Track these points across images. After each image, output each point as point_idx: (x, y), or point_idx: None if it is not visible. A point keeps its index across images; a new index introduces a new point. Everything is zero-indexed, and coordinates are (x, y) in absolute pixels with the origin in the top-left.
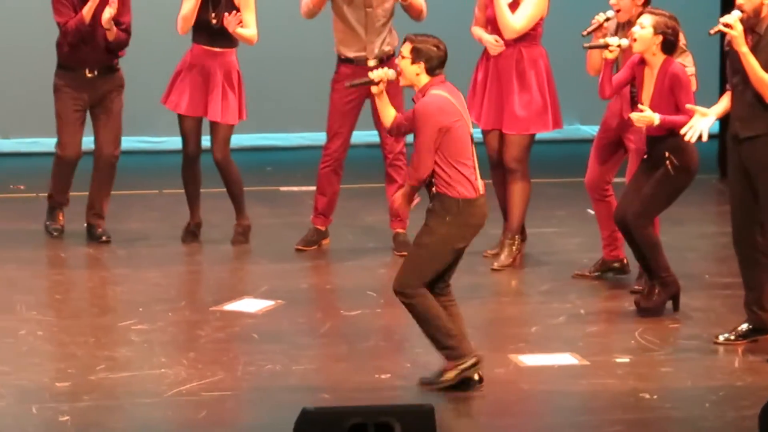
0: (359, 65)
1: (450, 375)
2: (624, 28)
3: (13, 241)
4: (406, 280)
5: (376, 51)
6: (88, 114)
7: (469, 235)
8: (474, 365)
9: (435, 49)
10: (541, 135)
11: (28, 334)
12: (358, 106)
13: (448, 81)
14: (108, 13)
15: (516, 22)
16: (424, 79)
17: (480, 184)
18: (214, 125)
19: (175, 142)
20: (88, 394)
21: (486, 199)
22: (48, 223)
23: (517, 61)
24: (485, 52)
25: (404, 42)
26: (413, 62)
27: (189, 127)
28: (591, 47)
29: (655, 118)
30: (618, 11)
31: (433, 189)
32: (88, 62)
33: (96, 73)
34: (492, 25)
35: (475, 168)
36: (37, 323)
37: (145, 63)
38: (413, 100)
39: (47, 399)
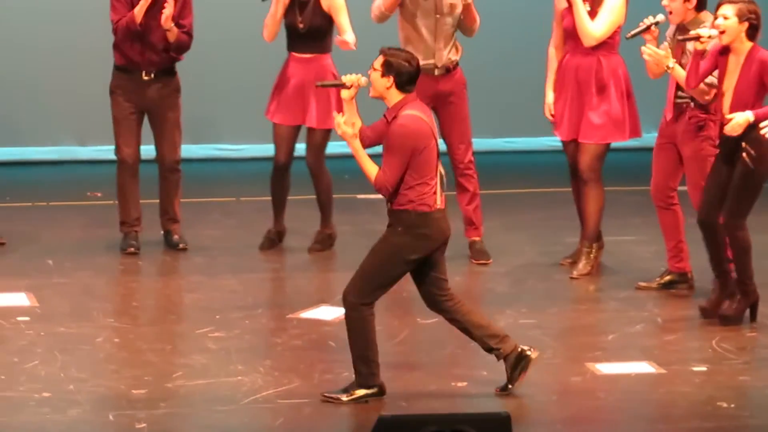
0: (426, 73)
1: (354, 395)
2: (682, 30)
3: (90, 249)
4: (354, 287)
5: (444, 59)
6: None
7: (422, 247)
8: (377, 394)
9: (406, 64)
10: (617, 143)
11: (105, 341)
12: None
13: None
14: (167, 11)
15: (596, 29)
16: (395, 95)
17: (440, 199)
18: (310, 131)
19: (252, 150)
20: (164, 401)
21: (445, 213)
22: (123, 249)
23: (596, 70)
24: (561, 63)
25: (378, 54)
26: (383, 75)
27: (282, 136)
28: (633, 35)
29: (749, 116)
30: (670, 13)
31: (389, 205)
32: (144, 64)
33: (152, 76)
34: (570, 35)
35: (436, 184)
36: (113, 330)
37: (224, 69)
38: (384, 115)
39: (124, 406)
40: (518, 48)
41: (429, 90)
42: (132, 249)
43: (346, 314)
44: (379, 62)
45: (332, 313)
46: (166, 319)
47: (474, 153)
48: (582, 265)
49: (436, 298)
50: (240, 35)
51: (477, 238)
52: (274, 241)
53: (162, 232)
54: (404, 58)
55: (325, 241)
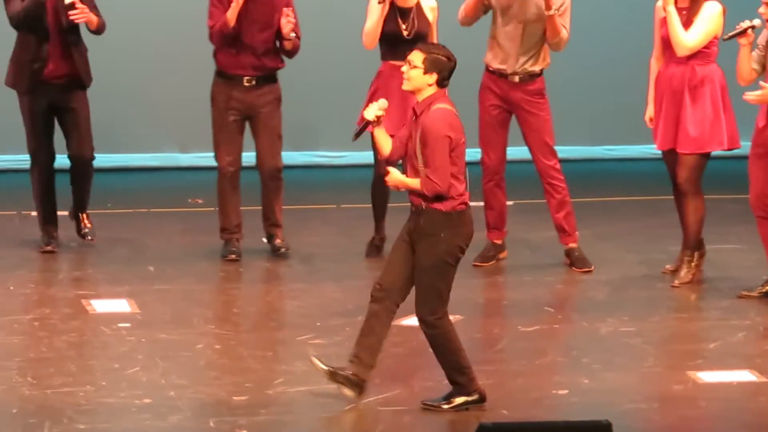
0: (500, 76)
1: (454, 403)
2: None
3: (191, 255)
4: (425, 306)
5: (518, 67)
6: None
7: (465, 244)
8: (478, 401)
9: (447, 60)
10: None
11: (206, 347)
12: (505, 116)
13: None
14: (286, 21)
15: (688, 39)
16: (432, 90)
17: (468, 196)
18: None
19: (353, 157)
20: (265, 408)
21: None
22: (224, 256)
23: (689, 79)
24: (658, 73)
25: (414, 51)
26: (426, 72)
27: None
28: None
29: None
30: (767, 21)
31: (423, 205)
32: (246, 70)
33: (254, 82)
34: (667, 44)
35: (466, 182)
36: (214, 337)
37: (325, 77)
38: (414, 109)
39: (225, 413)
40: (618, 54)
41: (501, 92)
42: (233, 256)
43: (428, 334)
44: (419, 59)
45: None
46: (266, 326)
47: (572, 161)
48: (683, 274)
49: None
50: (340, 42)
51: (573, 245)
52: (379, 248)
53: (264, 238)
54: (445, 54)
55: None
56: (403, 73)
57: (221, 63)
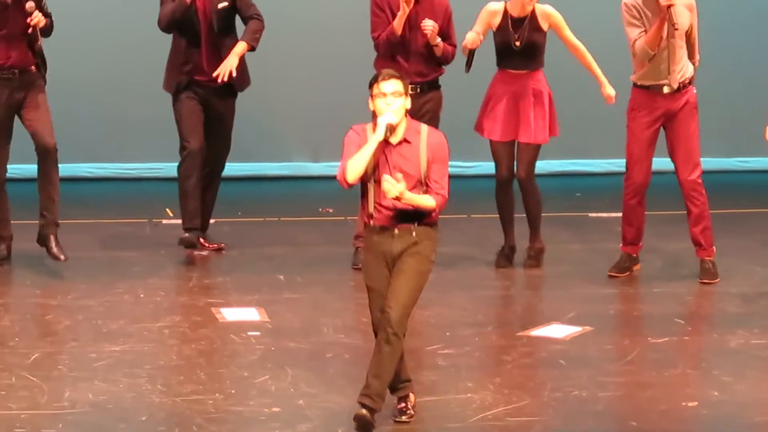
0: (656, 91)
1: (413, 401)
2: None
3: (322, 264)
4: (405, 314)
5: (672, 80)
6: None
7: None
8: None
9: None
10: None
11: (335, 357)
12: (656, 133)
13: None
14: (428, 28)
15: None
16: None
17: None
18: (522, 145)
19: (485, 167)
20: (394, 417)
21: None
22: (354, 264)
23: None
24: None
25: (393, 79)
26: (407, 96)
27: (502, 152)
28: None
29: None
30: None
31: (412, 226)
32: (410, 77)
33: (418, 90)
34: None
35: None
36: (343, 346)
37: (457, 86)
38: (406, 139)
39: (353, 422)
40: (751, 66)
41: (658, 108)
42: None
43: (395, 346)
44: (401, 86)
45: (563, 331)
46: None
47: (707, 173)
48: None
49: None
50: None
51: (708, 258)
52: (509, 257)
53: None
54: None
55: (539, 256)
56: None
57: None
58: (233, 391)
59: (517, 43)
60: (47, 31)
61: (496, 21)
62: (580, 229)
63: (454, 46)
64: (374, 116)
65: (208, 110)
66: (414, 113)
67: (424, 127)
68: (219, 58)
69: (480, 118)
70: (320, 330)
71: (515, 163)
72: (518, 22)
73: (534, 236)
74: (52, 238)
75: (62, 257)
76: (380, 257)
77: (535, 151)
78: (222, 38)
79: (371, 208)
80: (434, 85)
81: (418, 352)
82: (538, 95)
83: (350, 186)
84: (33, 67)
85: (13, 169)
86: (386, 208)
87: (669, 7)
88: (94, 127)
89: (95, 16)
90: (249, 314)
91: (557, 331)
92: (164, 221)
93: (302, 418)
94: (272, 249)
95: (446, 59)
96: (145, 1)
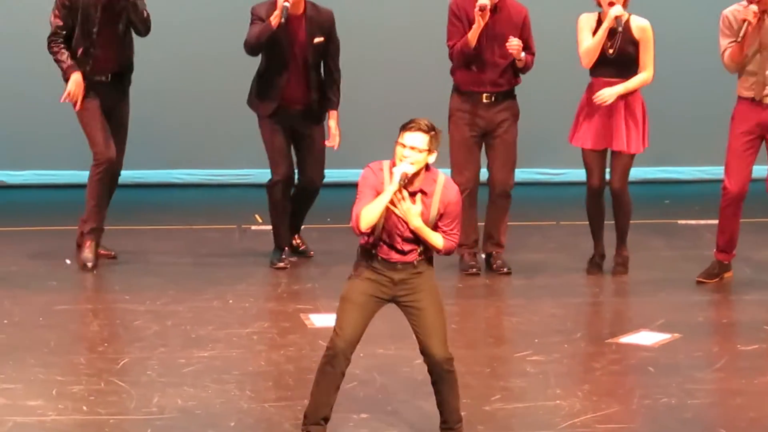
0: (755, 104)
1: None
2: None
3: None
4: (447, 347)
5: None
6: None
7: None
8: None
9: (438, 133)
10: None
11: (424, 364)
12: (753, 144)
13: None
14: (515, 47)
15: None
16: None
17: None
18: (615, 154)
19: (573, 175)
20: (482, 424)
21: None
22: (464, 270)
23: None
24: None
25: (419, 133)
26: (432, 152)
27: (594, 161)
28: None
29: None
30: None
31: (415, 260)
32: (485, 87)
33: (493, 99)
34: None
35: None
36: None
37: (543, 95)
38: (423, 191)
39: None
40: None
41: (755, 120)
42: (474, 270)
43: (451, 373)
44: (426, 142)
45: (652, 338)
46: (484, 341)
47: None
48: None
49: None
50: (560, 58)
51: None
52: (600, 265)
53: (483, 254)
54: (437, 129)
55: (627, 264)
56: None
57: (460, 80)
58: None
59: (611, 51)
60: (143, 30)
61: (593, 29)
62: (670, 236)
63: (534, 54)
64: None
65: (296, 134)
66: (489, 123)
67: (441, 178)
68: (308, 89)
69: (573, 127)
70: (409, 336)
71: (607, 171)
72: (612, 32)
73: (622, 245)
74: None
75: (90, 264)
76: (377, 278)
77: (628, 161)
78: (312, 70)
79: (376, 241)
80: (510, 95)
81: (506, 358)
82: (632, 105)
83: (362, 234)
84: (124, 73)
85: (135, 175)
86: (391, 246)
87: (744, 21)
88: (183, 134)
89: (186, 23)
90: None
91: (646, 338)
92: (253, 227)
93: (391, 425)
94: None
95: (526, 69)
96: (232, 12)
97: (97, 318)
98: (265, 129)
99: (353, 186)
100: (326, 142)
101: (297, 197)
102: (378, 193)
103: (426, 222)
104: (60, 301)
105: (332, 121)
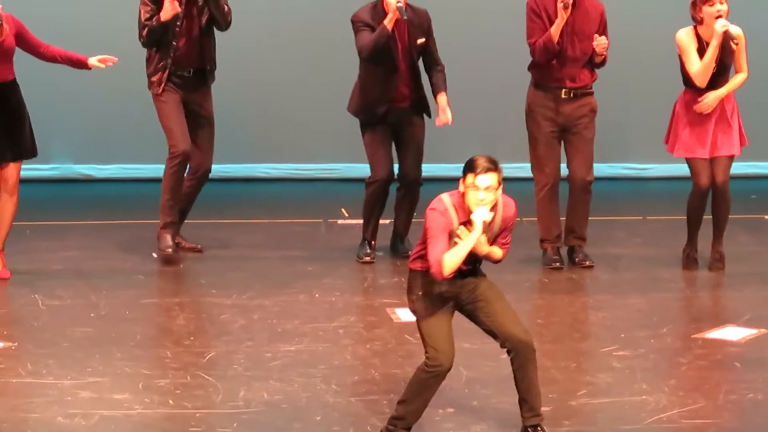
0: None
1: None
2: None
3: (504, 265)
4: (528, 332)
5: None
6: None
7: None
8: None
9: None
10: None
11: (508, 359)
12: None
13: None
14: (601, 42)
15: None
16: None
17: None
18: (719, 157)
19: (659, 170)
20: (568, 419)
21: None
22: (547, 264)
23: None
24: None
25: (489, 173)
26: (500, 185)
27: (701, 164)
28: None
29: None
30: None
31: (477, 266)
32: (563, 82)
33: (571, 95)
34: None
35: None
36: None
37: (630, 90)
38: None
39: None
40: None
41: None
42: (557, 264)
43: (532, 360)
44: (497, 180)
45: (738, 333)
46: (570, 336)
47: None
48: None
49: None
50: (653, 62)
51: None
52: (696, 260)
53: (566, 248)
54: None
55: (723, 259)
56: None
57: (538, 75)
58: None
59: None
60: (224, 24)
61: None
62: (757, 231)
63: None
64: (459, 195)
65: (397, 131)
66: (568, 119)
67: (500, 198)
68: (411, 89)
69: (671, 137)
70: None
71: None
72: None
73: (718, 240)
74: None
75: (169, 249)
76: (441, 296)
77: (731, 161)
78: (415, 70)
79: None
80: (588, 91)
81: (592, 353)
82: (730, 106)
83: (444, 279)
84: (207, 69)
85: (221, 169)
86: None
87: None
88: (269, 129)
89: (274, 15)
90: None
91: (733, 333)
92: (339, 221)
93: (477, 419)
94: None
95: (603, 64)
96: (321, 4)
97: (184, 311)
98: (367, 132)
99: (448, 180)
100: (438, 121)
101: (401, 199)
102: (449, 233)
103: (489, 242)
104: (146, 294)
105: (442, 100)
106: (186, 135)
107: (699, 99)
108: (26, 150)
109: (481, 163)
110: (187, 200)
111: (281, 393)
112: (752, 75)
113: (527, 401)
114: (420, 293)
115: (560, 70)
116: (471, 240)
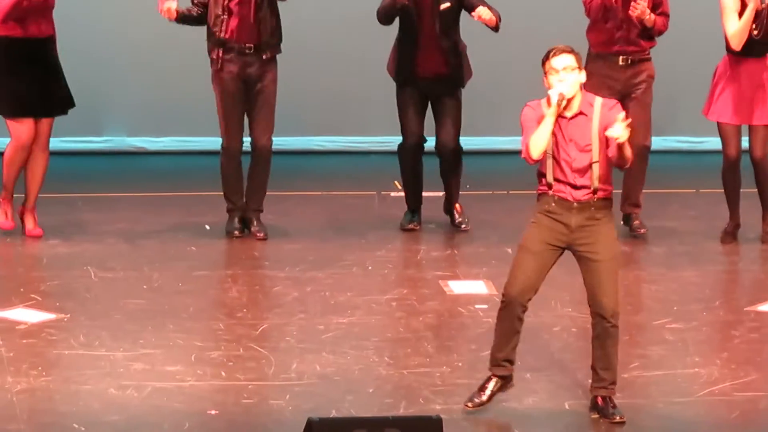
0: None
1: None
2: None
3: None
4: (618, 304)
5: None
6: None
7: None
8: None
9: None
10: None
11: (563, 330)
12: None
13: None
14: (636, 12)
15: None
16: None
17: None
18: (755, 126)
19: (714, 143)
20: (621, 391)
21: None
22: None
23: None
24: None
25: (564, 54)
26: (582, 69)
27: (731, 132)
28: None
29: None
30: None
31: (592, 198)
32: (621, 45)
33: (629, 61)
34: None
35: None
36: (571, 320)
37: (684, 61)
38: (582, 112)
39: (580, 395)
40: None
41: None
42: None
43: (613, 331)
44: (574, 60)
45: None
46: (623, 309)
47: None
48: None
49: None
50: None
51: None
52: (734, 235)
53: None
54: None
55: None
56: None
57: (594, 40)
58: (460, 364)
59: (755, 33)
60: None
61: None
62: None
63: (667, 15)
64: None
65: (435, 104)
66: (626, 85)
67: (599, 100)
68: (440, 57)
69: (709, 102)
70: (548, 303)
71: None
72: (758, 13)
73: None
74: (254, 221)
75: (261, 234)
76: (553, 226)
77: (767, 132)
78: (444, 38)
79: (550, 179)
80: (646, 57)
81: (645, 326)
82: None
83: (536, 162)
84: (268, 44)
85: (276, 142)
86: (564, 182)
87: None
88: (325, 101)
89: None
90: (477, 287)
91: None
92: (392, 194)
93: (529, 391)
94: (500, 222)
95: (659, 31)
96: None
97: (236, 284)
98: (399, 94)
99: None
100: (476, 15)
101: (443, 172)
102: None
103: (589, 145)
104: (199, 266)
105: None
106: (236, 129)
107: (735, 65)
108: (62, 104)
109: (555, 48)
110: (251, 178)
111: (334, 365)
112: None
113: (596, 371)
114: (533, 220)
115: (615, 34)
116: (550, 116)
